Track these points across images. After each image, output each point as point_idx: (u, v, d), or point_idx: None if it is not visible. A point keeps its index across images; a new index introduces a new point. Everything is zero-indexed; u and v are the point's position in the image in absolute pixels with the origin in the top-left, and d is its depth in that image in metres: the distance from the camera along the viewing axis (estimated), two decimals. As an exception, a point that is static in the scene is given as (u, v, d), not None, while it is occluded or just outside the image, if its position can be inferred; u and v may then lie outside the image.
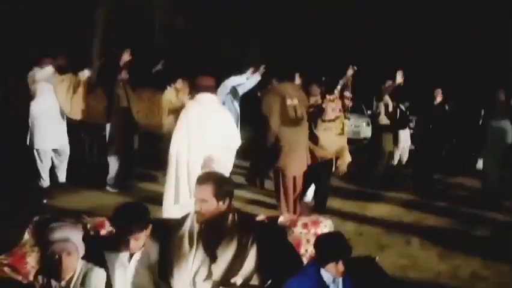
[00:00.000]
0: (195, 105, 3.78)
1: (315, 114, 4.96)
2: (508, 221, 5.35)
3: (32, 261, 2.20)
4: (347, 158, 5.19)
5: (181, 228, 2.19)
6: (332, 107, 4.92)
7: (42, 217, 2.39)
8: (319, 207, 5.07)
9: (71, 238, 1.82)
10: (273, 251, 2.20)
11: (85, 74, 5.66)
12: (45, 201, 5.11)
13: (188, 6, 10.99)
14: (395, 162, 8.89)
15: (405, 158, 8.62)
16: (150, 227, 2.11)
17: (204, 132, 3.63)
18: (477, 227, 5.07)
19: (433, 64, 13.43)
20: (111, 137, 5.88)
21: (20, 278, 2.13)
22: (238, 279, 2.07)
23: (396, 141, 8.18)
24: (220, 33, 12.24)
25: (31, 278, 2.16)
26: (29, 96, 5.44)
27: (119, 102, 5.74)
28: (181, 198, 3.62)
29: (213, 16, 11.56)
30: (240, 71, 6.63)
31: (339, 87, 5.08)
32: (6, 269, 2.12)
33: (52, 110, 5.45)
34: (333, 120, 4.97)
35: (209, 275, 2.06)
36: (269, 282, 2.16)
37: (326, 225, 2.51)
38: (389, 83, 6.78)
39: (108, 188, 5.78)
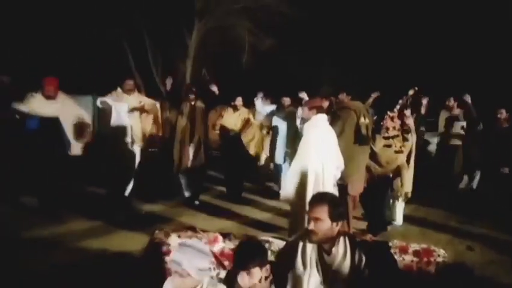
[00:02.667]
0: (316, 126, 3.90)
1: (374, 131, 4.88)
2: None
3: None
4: (408, 176, 5.03)
5: (294, 249, 2.22)
6: (392, 125, 4.90)
7: (161, 230, 2.59)
8: (377, 228, 4.86)
9: (182, 264, 1.89)
10: (385, 276, 2.15)
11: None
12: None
13: (276, 28, 11.32)
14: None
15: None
16: (267, 267, 1.97)
17: (328, 151, 3.82)
18: None
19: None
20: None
21: None
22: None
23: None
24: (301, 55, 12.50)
25: None
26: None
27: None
28: None
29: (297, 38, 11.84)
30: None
31: (398, 106, 5.01)
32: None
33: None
34: (393, 138, 4.90)
35: (324, 297, 2.06)
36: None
37: (439, 255, 2.42)
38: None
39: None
